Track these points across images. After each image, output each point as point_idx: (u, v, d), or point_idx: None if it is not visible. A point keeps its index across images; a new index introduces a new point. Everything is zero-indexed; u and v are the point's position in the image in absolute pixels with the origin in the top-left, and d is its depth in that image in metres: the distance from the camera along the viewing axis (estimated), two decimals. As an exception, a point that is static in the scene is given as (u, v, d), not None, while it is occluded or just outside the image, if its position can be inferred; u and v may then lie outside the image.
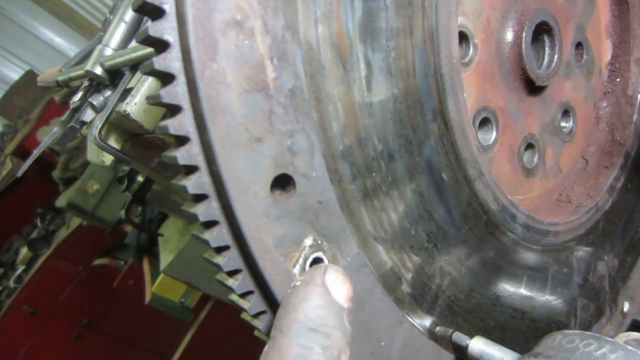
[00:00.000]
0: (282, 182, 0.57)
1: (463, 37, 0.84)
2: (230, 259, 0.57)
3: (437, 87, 0.71)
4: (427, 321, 0.75)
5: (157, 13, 0.50)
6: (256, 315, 0.60)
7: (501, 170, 0.94)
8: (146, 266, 3.84)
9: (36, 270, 5.49)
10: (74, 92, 2.34)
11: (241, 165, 0.53)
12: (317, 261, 0.61)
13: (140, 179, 3.07)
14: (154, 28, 0.49)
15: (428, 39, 0.69)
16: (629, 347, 0.56)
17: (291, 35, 0.56)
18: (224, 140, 0.52)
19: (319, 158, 0.59)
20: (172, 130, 0.52)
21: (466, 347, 0.74)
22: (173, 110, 0.52)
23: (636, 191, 1.11)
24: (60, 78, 2.06)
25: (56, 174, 4.77)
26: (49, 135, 2.35)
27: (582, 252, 1.01)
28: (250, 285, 0.58)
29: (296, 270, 0.59)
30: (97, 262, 5.56)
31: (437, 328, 0.77)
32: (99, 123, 1.49)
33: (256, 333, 0.64)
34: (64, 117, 2.18)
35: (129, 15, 1.71)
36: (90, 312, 5.42)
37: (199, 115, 0.51)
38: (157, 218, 3.65)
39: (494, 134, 0.91)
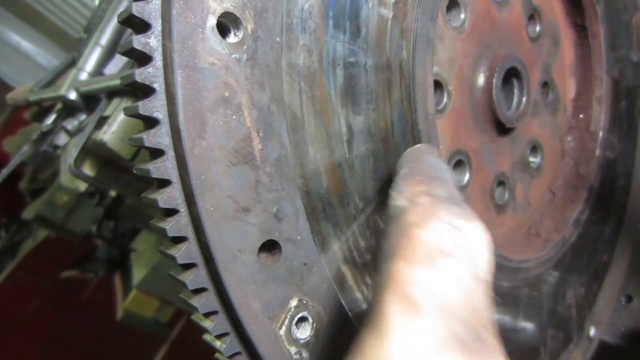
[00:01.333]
0: (269, 247, 0.59)
1: (437, 86, 0.87)
2: (217, 324, 0.58)
3: (414, 141, 0.74)
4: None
5: (147, 91, 0.51)
6: (243, 376, 0.62)
7: (475, 208, 0.97)
8: (118, 281, 3.78)
9: (0, 284, 5.33)
10: (45, 110, 2.30)
11: (229, 236, 0.55)
12: (302, 319, 0.63)
13: (112, 193, 3.03)
14: (144, 106, 0.51)
15: (405, 98, 0.72)
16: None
17: (276, 107, 0.58)
18: (212, 213, 0.53)
19: (304, 221, 0.61)
20: (162, 204, 0.53)
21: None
22: (162, 184, 0.53)
23: (600, 222, 1.17)
24: (32, 98, 2.02)
25: (23, 184, 4.63)
26: (19, 153, 2.30)
27: (550, 283, 1.06)
28: (237, 347, 0.60)
29: (282, 331, 0.61)
30: (66, 274, 5.43)
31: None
32: (74, 152, 1.48)
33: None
34: (34, 137, 2.14)
35: (105, 39, 1.69)
36: (58, 327, 5.28)
37: (187, 189, 0.53)
38: (130, 232, 3.60)
39: (467, 175, 0.95)
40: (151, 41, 0.51)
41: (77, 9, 6.52)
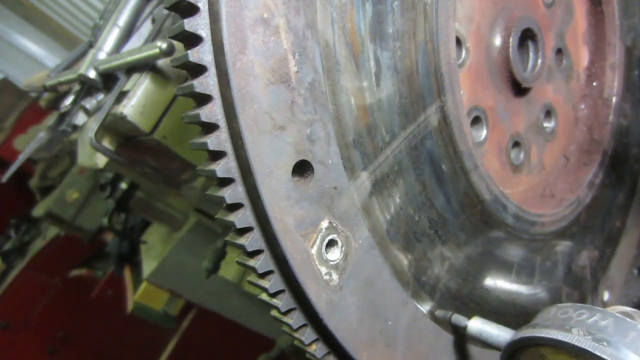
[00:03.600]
0: (302, 168, 0.62)
1: (457, 41, 0.90)
2: (253, 240, 0.61)
3: (437, 84, 0.76)
4: (429, 304, 0.80)
5: (191, 10, 0.55)
6: (275, 295, 0.64)
7: (491, 165, 1.00)
8: (128, 275, 3.81)
9: (10, 283, 5.36)
10: (61, 96, 2.35)
11: (266, 151, 0.58)
12: (332, 242, 0.65)
13: (123, 186, 3.07)
14: (189, 24, 0.54)
15: (429, 41, 0.75)
16: (618, 315, 0.62)
17: (311, 33, 0.61)
18: (252, 127, 0.56)
19: (335, 147, 0.64)
20: (204, 118, 0.56)
21: (465, 327, 0.79)
22: (204, 99, 0.56)
23: (613, 187, 1.19)
24: (49, 82, 2.07)
25: (34, 182, 4.69)
26: (35, 140, 2.34)
27: (565, 243, 1.08)
28: (270, 265, 0.63)
29: (314, 250, 0.63)
30: (75, 273, 5.47)
31: (437, 311, 0.82)
32: (95, 125, 1.51)
33: (273, 313, 0.68)
34: (51, 122, 2.18)
35: (123, 20, 1.74)
36: (66, 325, 5.30)
37: (229, 104, 0.56)
38: (140, 226, 3.64)
39: (485, 131, 0.98)
40: (196, -36, 0.54)
41: (83, 10, 6.60)
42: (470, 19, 0.93)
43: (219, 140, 0.57)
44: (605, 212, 1.18)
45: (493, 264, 0.91)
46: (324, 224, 0.64)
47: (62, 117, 2.01)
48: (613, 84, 1.17)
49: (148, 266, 3.33)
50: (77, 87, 1.84)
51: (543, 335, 0.64)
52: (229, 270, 2.44)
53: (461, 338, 0.84)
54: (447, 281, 0.82)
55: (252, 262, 0.62)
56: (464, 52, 0.92)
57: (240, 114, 0.55)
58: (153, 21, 1.64)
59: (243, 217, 0.60)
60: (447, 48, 0.78)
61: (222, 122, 0.57)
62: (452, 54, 0.79)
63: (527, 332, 0.67)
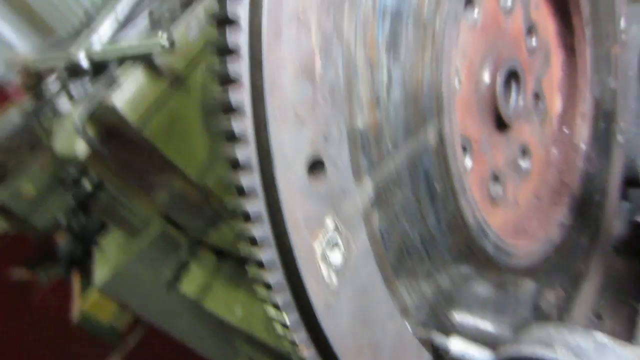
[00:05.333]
0: (316, 165, 0.63)
1: (452, 71, 0.96)
2: (261, 229, 0.61)
3: (437, 104, 0.81)
4: (413, 319, 0.81)
5: (232, -2, 0.56)
6: (275, 290, 0.64)
7: (474, 196, 1.05)
8: (76, 281, 3.62)
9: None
10: (41, 80, 2.26)
11: (287, 143, 0.59)
12: (335, 245, 0.66)
13: (87, 185, 2.96)
14: (230, 7, 0.56)
15: (434, 62, 0.79)
16: (597, 337, 0.65)
17: (337, 38, 0.64)
18: (277, 117, 0.58)
19: (346, 149, 0.66)
20: (232, 101, 0.57)
21: (447, 350, 0.81)
22: (233, 82, 0.57)
23: (579, 230, 1.26)
24: (32, 64, 2.00)
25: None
26: (6, 123, 2.23)
27: (535, 279, 1.13)
28: (275, 257, 0.63)
29: (318, 249, 0.64)
30: (16, 274, 5.12)
31: (419, 327, 0.83)
32: (83, 113, 1.46)
33: (268, 309, 0.67)
34: (27, 107, 2.10)
35: (121, 9, 1.73)
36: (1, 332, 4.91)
37: (258, 91, 0.57)
38: (96, 229, 3.48)
39: (470, 161, 1.02)
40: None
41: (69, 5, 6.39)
42: (465, 54, 0.99)
43: (243, 125, 0.58)
44: (572, 254, 1.24)
45: (470, 289, 0.94)
46: (330, 224, 0.65)
47: (41, 99, 1.94)
48: (583, 131, 1.26)
49: (101, 274, 3.17)
50: (63, 72, 1.78)
51: (527, 352, 0.67)
52: (189, 285, 2.37)
53: (440, 358, 0.86)
54: (430, 299, 0.84)
55: (257, 252, 0.62)
56: (457, 83, 0.97)
57: (268, 102, 0.57)
58: (150, 14, 1.63)
59: (256, 206, 0.60)
60: (449, 72, 0.82)
61: (247, 108, 0.58)
62: (451, 80, 0.83)
63: (510, 350, 0.70)
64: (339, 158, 0.65)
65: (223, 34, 0.56)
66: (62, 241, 3.74)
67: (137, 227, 3.08)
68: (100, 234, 3.41)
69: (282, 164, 0.58)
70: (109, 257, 3.04)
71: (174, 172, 1.45)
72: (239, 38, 0.56)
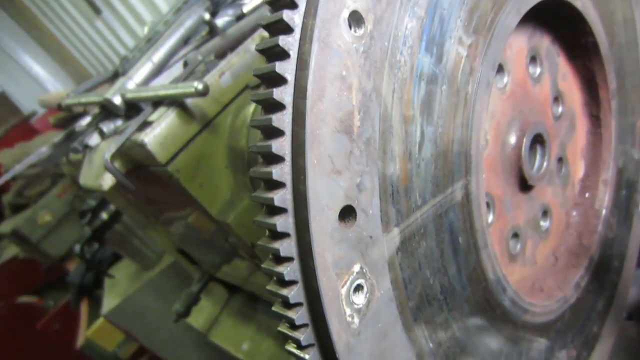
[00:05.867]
0: (347, 213, 0.68)
1: (480, 131, 1.00)
2: (291, 270, 0.65)
3: (466, 164, 0.85)
4: (427, 367, 0.83)
5: (283, 56, 0.62)
6: (298, 327, 0.68)
7: (493, 250, 1.07)
8: (84, 309, 3.67)
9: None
10: (73, 117, 2.40)
11: (322, 190, 0.64)
12: (359, 287, 0.70)
13: (104, 216, 3.04)
14: (280, 67, 0.61)
15: (465, 125, 0.84)
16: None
17: (375, 96, 0.69)
18: (315, 166, 0.63)
19: (377, 199, 0.71)
20: (274, 150, 0.62)
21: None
22: (277, 134, 0.63)
23: (595, 293, 1.27)
24: (67, 102, 2.12)
25: (7, 198, 4.59)
26: (35, 153, 2.35)
27: (549, 337, 1.13)
28: (301, 297, 0.66)
29: (343, 291, 0.68)
30: (23, 299, 5.21)
31: (433, 377, 0.85)
32: (113, 147, 1.55)
33: (289, 347, 0.71)
34: (56, 139, 2.21)
35: (158, 56, 1.83)
36: (2, 354, 4.97)
37: (299, 141, 0.62)
38: (109, 260, 3.55)
39: (491, 217, 1.06)
40: (295, 17, 0.63)
41: (96, 42, 6.76)
42: (493, 116, 1.04)
43: (282, 172, 0.63)
44: (586, 315, 1.24)
45: (484, 340, 0.96)
46: (356, 267, 0.69)
47: (72, 135, 2.05)
48: (604, 198, 1.29)
49: (109, 302, 3.22)
50: (96, 109, 1.89)
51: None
52: (197, 317, 2.40)
53: (451, 408, 0.87)
54: (446, 348, 0.86)
55: (284, 292, 0.66)
56: (484, 142, 1.02)
57: (308, 152, 0.62)
58: (185, 64, 1.73)
59: (288, 247, 0.64)
60: (478, 134, 0.87)
61: (288, 157, 0.63)
62: (481, 141, 0.88)
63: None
64: (369, 207, 0.70)
65: (271, 89, 0.62)
66: (74, 269, 3.81)
67: (150, 259, 3.13)
68: (112, 264, 3.48)
69: (316, 208, 0.63)
70: (118, 286, 3.09)
71: (195, 207, 1.51)
72: (285, 94, 0.62)
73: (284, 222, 0.64)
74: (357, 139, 0.67)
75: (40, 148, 2.27)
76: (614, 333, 1.39)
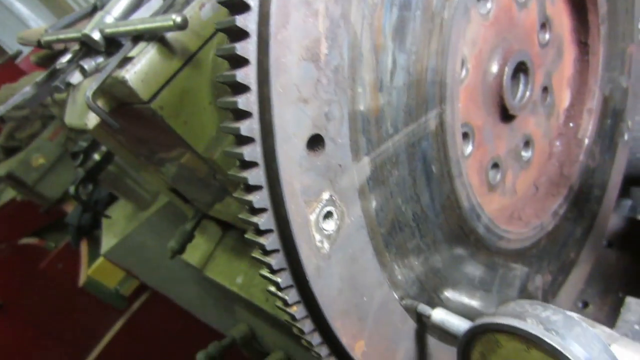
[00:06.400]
0: (315, 142, 0.68)
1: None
2: (261, 198, 0.66)
3: (440, 93, 0.84)
4: (400, 290, 0.87)
5: (244, -18, 0.61)
6: (270, 253, 0.70)
7: (471, 179, 1.09)
8: (84, 249, 3.75)
9: (-46, 244, 5.14)
10: (55, 55, 2.34)
11: (288, 118, 0.64)
12: (329, 214, 0.72)
13: (97, 157, 3.05)
14: (240, -7, 0.60)
15: (440, 53, 0.83)
16: (567, 312, 0.70)
17: (344, 23, 0.68)
18: (280, 95, 0.62)
19: (346, 128, 0.71)
20: (239, 79, 0.62)
21: (429, 316, 0.86)
22: (241, 62, 0.62)
23: (573, 221, 1.30)
24: (46, 38, 2.07)
25: (-1, 141, 4.57)
26: (19, 93, 2.32)
27: (524, 263, 1.17)
28: (271, 224, 0.68)
29: (312, 217, 0.70)
30: (24, 241, 5.30)
31: (406, 299, 0.89)
32: (94, 85, 1.53)
33: (263, 271, 0.73)
34: (39, 78, 2.18)
35: (136, -4, 1.77)
36: (6, 294, 5.12)
37: (264, 70, 0.62)
38: (105, 200, 3.60)
39: (470, 147, 1.06)
40: (256, -60, 0.60)
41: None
42: (474, 43, 1.02)
43: (248, 101, 0.63)
44: (563, 242, 1.28)
45: (461, 265, 0.99)
46: (325, 195, 0.70)
47: (55, 73, 2.01)
48: (587, 127, 1.29)
49: (107, 242, 3.29)
50: (76, 46, 1.85)
51: (500, 322, 0.72)
52: (193, 254, 2.46)
53: (424, 327, 0.91)
54: (419, 273, 0.90)
55: (255, 219, 0.68)
56: (464, 71, 1.01)
57: (273, 81, 0.61)
58: None
59: (256, 175, 0.65)
60: (454, 63, 0.86)
61: (253, 86, 0.63)
62: (457, 69, 0.87)
63: (486, 319, 0.75)
64: (338, 136, 0.70)
65: (234, 16, 0.60)
66: (72, 211, 3.86)
67: (145, 199, 3.16)
68: (109, 205, 3.52)
69: (283, 137, 0.63)
70: (116, 226, 3.15)
71: (182, 146, 1.51)
72: (249, 21, 0.61)
73: (252, 152, 0.65)
74: (324, 67, 0.66)
75: (24, 88, 2.23)
76: (591, 259, 1.44)
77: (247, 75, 0.62)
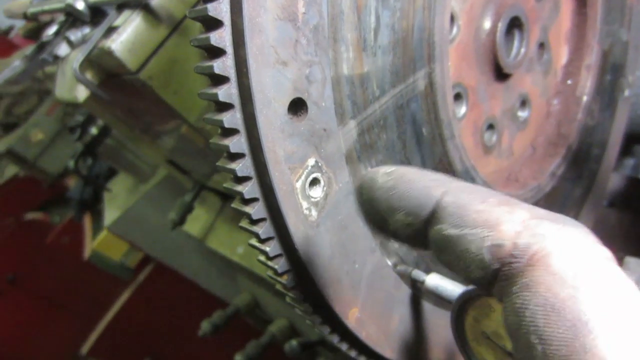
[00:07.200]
0: (297, 106, 0.66)
1: (450, 17, 0.95)
2: (244, 166, 0.65)
3: (429, 51, 0.81)
4: (394, 257, 0.86)
5: (214, -64, 0.57)
6: (256, 222, 0.68)
7: (465, 141, 1.06)
8: (87, 222, 3.77)
9: (-41, 220, 5.19)
10: (42, 26, 2.29)
11: (267, 82, 0.61)
12: (315, 181, 0.70)
13: (94, 130, 3.02)
14: (208, -52, 0.57)
15: (427, 8, 0.79)
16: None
17: (322, -22, 0.64)
18: (257, 57, 0.60)
19: (329, 91, 0.68)
20: (213, 42, 0.59)
21: (423, 282, 0.86)
22: (215, 24, 0.59)
23: (572, 181, 1.28)
24: (31, 10, 2.02)
25: (-3, 117, 4.54)
26: (9, 68, 2.28)
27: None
28: (256, 193, 0.67)
29: (298, 184, 0.68)
30: (30, 216, 5.34)
31: (400, 265, 0.88)
32: (80, 56, 1.49)
33: (252, 241, 0.72)
34: (28, 52, 2.13)
35: (119, -42, 1.71)
36: (16, 268, 5.18)
37: (238, 31, 0.59)
38: (105, 174, 3.60)
39: (464, 108, 1.03)
40: None
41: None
42: (465, -1, 0.98)
43: (224, 65, 0.60)
44: (562, 202, 1.26)
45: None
46: (311, 161, 0.68)
47: (43, 46, 1.97)
48: (586, 84, 1.25)
49: (110, 215, 3.31)
50: (61, 17, 1.80)
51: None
52: (194, 225, 2.47)
53: (418, 293, 0.91)
54: (412, 238, 0.88)
55: (239, 188, 0.66)
56: (455, 28, 0.97)
57: (248, 42, 0.58)
58: None
59: (237, 143, 0.63)
60: (442, 20, 0.82)
61: (229, 49, 0.60)
62: (445, 26, 0.84)
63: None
64: (321, 99, 0.67)
65: (206, -27, 0.57)
66: (73, 185, 3.85)
67: (145, 172, 3.15)
68: (110, 178, 3.51)
69: (262, 102, 0.61)
70: (117, 199, 3.15)
71: (174, 116, 1.48)
72: (221, -22, 0.58)
73: (231, 118, 0.62)
74: (303, 27, 0.63)
75: (14, 62, 2.20)
76: (591, 219, 1.42)
77: (222, 37, 0.59)
